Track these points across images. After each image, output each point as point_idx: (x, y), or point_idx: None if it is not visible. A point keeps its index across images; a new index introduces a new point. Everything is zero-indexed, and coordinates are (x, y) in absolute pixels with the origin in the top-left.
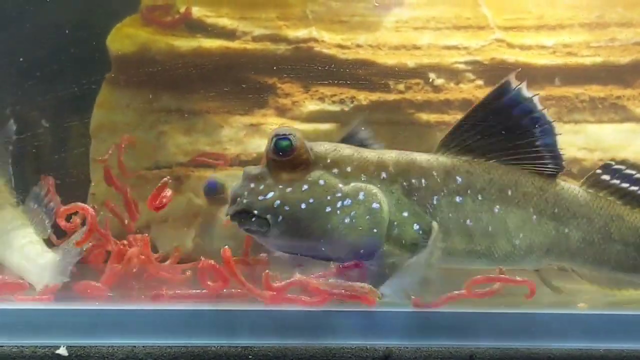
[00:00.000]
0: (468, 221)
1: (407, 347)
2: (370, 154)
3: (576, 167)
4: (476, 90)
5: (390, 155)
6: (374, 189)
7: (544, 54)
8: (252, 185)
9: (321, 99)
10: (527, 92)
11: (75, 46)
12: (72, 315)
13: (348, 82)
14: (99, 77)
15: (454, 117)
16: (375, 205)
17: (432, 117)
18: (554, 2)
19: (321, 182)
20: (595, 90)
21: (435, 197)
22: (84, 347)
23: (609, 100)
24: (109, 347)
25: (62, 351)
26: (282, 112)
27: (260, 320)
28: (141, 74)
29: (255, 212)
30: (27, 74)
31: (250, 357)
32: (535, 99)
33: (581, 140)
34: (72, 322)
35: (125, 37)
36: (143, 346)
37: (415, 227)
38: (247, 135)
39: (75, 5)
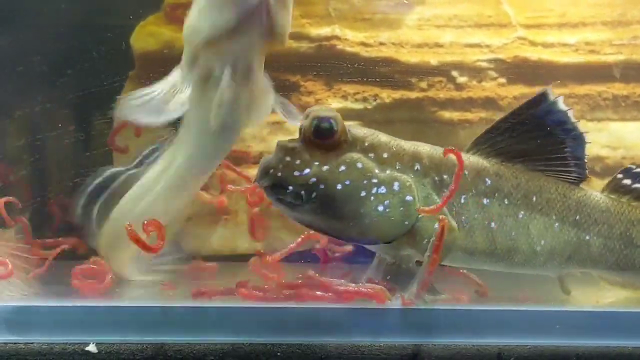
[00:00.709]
0: (492, 224)
1: (435, 345)
2: (406, 144)
3: (599, 165)
4: (499, 88)
5: (425, 148)
6: (409, 180)
7: (566, 52)
8: (288, 158)
9: (344, 97)
10: (563, 105)
11: (99, 44)
12: (101, 313)
13: (371, 79)
14: (123, 74)
15: (477, 115)
16: (409, 197)
17: (455, 115)
18: (576, 0)
19: (359, 165)
20: (618, 88)
21: (464, 196)
22: (114, 343)
23: (632, 98)
24: (138, 343)
25: (92, 348)
26: (305, 109)
27: (289, 317)
28: (165, 72)
29: (290, 187)
30: (51, 72)
31: (278, 354)
32: (570, 112)
33: (604, 138)
34: (102, 320)
35: (148, 35)
36: (172, 343)
37: (436, 225)
38: (271, 133)
39: (99, 3)
